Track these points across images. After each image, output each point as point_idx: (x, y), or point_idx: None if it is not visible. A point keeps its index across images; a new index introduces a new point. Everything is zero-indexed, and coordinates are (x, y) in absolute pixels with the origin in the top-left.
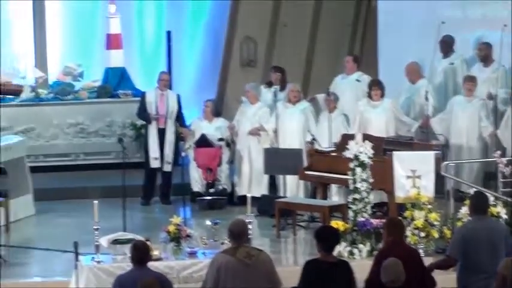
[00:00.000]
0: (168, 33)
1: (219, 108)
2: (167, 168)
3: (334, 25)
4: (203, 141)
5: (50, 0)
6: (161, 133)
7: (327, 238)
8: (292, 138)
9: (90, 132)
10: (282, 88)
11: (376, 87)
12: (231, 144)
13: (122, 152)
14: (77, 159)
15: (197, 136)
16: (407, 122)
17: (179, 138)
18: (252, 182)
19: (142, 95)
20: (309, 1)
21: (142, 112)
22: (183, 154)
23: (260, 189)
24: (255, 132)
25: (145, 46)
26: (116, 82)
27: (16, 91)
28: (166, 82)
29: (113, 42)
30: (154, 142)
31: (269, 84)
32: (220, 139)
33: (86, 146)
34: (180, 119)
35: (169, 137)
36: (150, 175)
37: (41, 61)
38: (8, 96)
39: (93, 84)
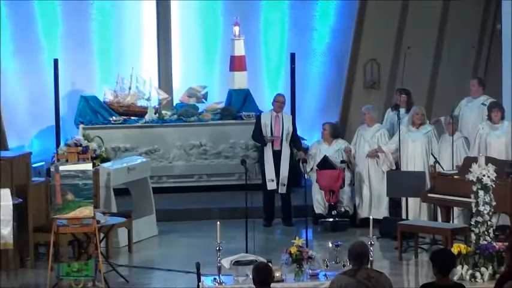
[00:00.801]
0: (292, 55)
1: (341, 131)
2: (282, 190)
3: (459, 47)
4: (325, 163)
5: (175, 22)
6: (277, 155)
7: (442, 261)
8: (415, 161)
9: (213, 153)
10: (408, 110)
11: (496, 109)
12: (350, 166)
13: (245, 173)
14: (200, 180)
15: (317, 159)
16: None
17: (301, 161)
18: (373, 204)
19: (257, 117)
20: (433, 23)
21: (258, 134)
22: (306, 176)
23: (382, 211)
24: (374, 154)
25: (270, 68)
26: (239, 104)
27: (140, 112)
28: (281, 104)
29: (237, 64)
30: (270, 164)
31: (396, 107)
32: (343, 161)
33: (208, 167)
34: (296, 141)
35: (285, 158)
36: (268, 197)
37: (165, 83)
38: (132, 117)
39: (216, 106)
